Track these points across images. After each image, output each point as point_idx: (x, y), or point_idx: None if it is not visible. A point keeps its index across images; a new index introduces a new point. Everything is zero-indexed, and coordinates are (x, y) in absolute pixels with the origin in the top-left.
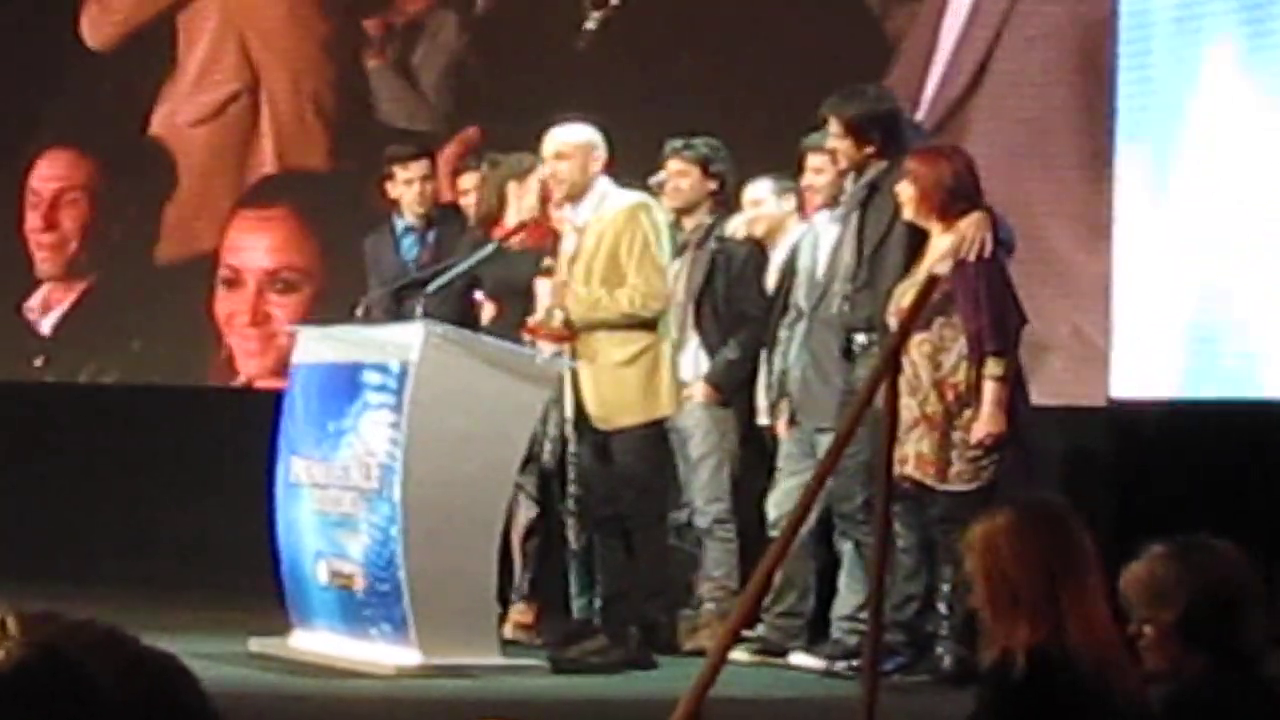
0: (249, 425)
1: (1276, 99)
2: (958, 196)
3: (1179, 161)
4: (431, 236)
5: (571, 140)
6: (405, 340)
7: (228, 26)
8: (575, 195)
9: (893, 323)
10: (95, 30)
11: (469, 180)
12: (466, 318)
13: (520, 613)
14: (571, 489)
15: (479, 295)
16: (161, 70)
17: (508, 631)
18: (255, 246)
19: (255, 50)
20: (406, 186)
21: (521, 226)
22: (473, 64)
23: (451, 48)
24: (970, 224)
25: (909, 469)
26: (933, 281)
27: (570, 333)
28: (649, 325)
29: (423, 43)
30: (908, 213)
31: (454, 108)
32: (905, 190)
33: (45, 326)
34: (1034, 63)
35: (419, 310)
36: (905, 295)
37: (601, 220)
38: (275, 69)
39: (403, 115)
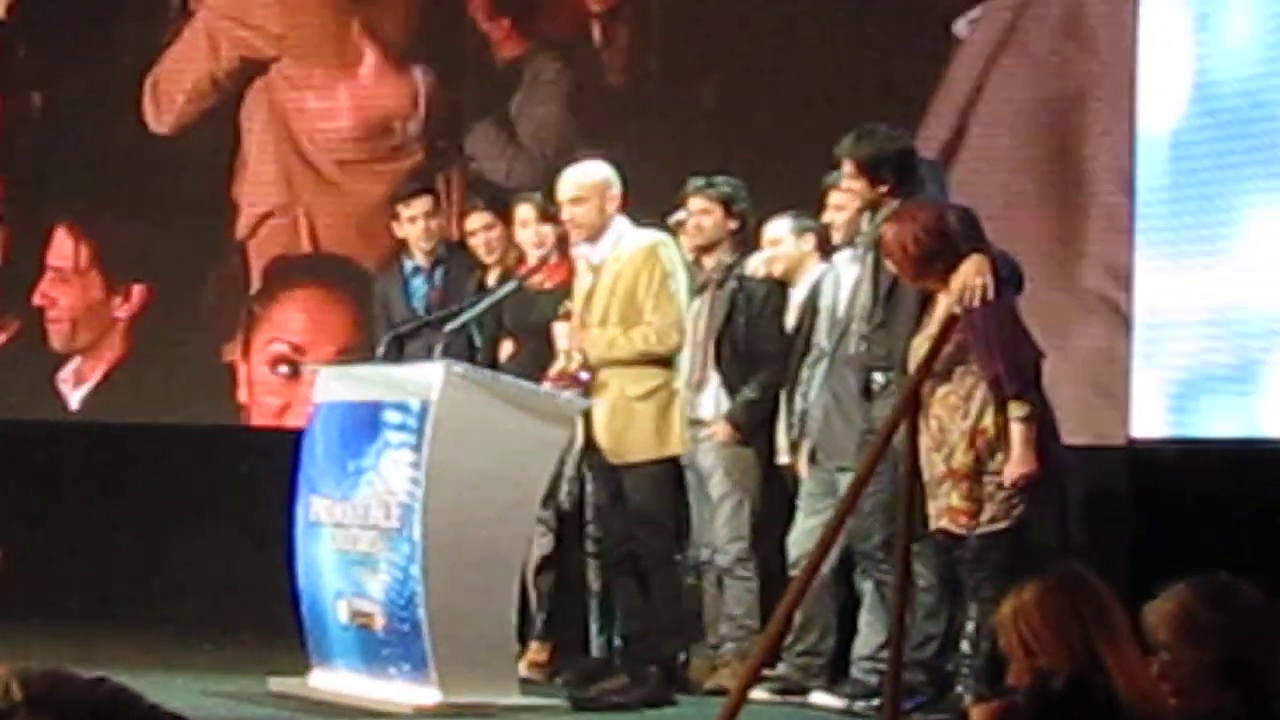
0: (268, 464)
1: None
2: (933, 255)
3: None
4: (439, 276)
5: (587, 182)
6: (425, 379)
7: None
8: (593, 236)
9: (912, 366)
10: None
11: (476, 220)
12: (473, 357)
13: (535, 651)
14: (590, 529)
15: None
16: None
17: (522, 669)
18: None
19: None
20: (410, 224)
21: (542, 263)
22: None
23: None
24: (968, 270)
25: (943, 523)
26: (950, 324)
27: (591, 374)
28: (664, 362)
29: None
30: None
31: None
32: (887, 262)
33: (74, 401)
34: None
35: (438, 349)
36: (920, 349)
37: (619, 259)
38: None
39: None
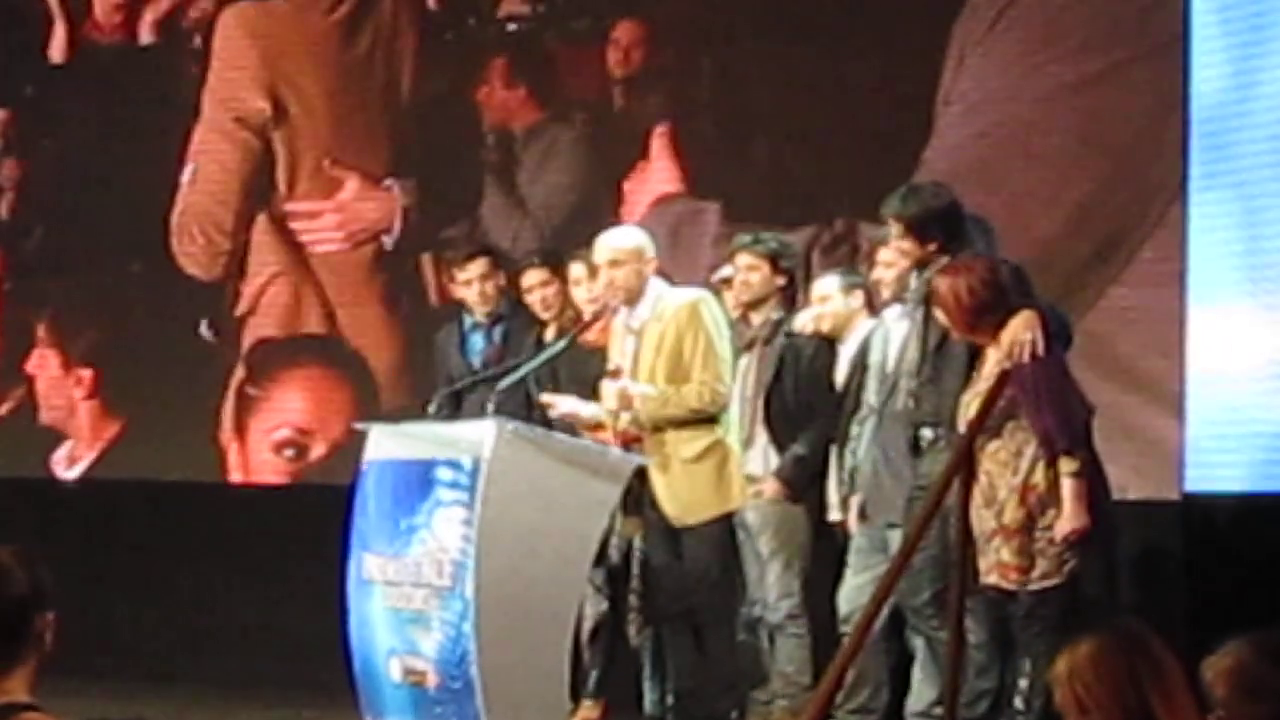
0: (320, 522)
1: None
2: (983, 310)
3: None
4: (498, 333)
5: (625, 246)
6: (477, 437)
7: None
8: (632, 299)
9: (961, 424)
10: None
11: (532, 277)
12: (530, 414)
13: (587, 709)
14: (635, 585)
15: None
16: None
17: None
18: None
19: None
20: (466, 287)
21: (595, 319)
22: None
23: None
24: (1018, 325)
25: (993, 579)
26: (1001, 380)
27: (636, 434)
28: (711, 420)
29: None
30: (954, 334)
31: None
32: (940, 314)
33: (70, 476)
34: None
35: (490, 407)
36: (971, 406)
37: (660, 319)
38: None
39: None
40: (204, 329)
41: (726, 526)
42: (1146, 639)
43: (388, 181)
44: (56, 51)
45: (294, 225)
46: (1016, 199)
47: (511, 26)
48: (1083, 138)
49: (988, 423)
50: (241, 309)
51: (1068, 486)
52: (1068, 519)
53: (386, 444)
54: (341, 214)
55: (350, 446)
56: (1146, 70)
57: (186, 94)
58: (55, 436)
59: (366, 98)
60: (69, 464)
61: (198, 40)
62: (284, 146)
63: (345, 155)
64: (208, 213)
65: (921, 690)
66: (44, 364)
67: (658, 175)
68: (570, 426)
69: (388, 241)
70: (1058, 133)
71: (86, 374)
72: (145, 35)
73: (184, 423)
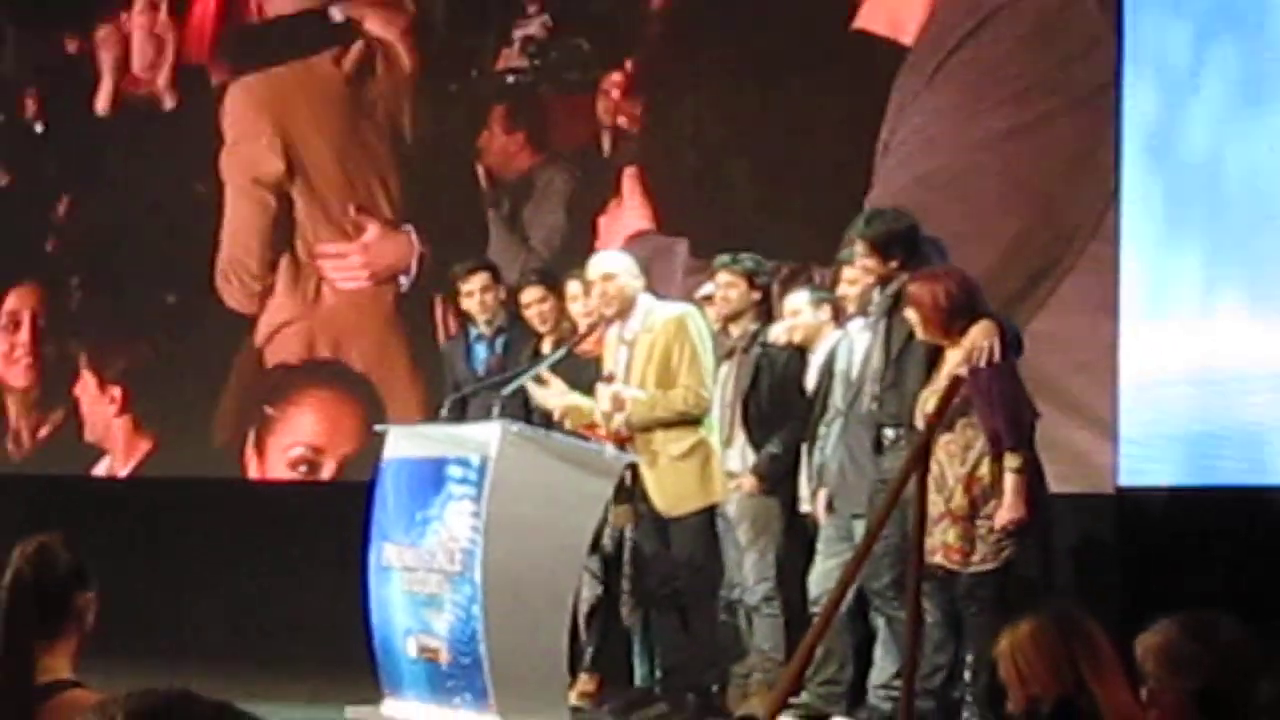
0: (344, 515)
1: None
2: (956, 313)
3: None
4: (500, 344)
5: (616, 266)
6: (484, 437)
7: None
8: (623, 311)
9: (919, 421)
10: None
11: (530, 294)
12: (530, 416)
13: (584, 682)
14: (626, 570)
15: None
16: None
17: (572, 699)
18: None
19: None
20: (469, 299)
21: (590, 332)
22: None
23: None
24: (978, 333)
25: (938, 558)
26: (957, 382)
27: (628, 434)
28: (696, 421)
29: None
30: (919, 334)
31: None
32: (911, 315)
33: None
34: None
35: (495, 410)
36: (928, 401)
37: (650, 330)
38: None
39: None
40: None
41: (709, 518)
42: (1081, 619)
43: (405, 226)
44: (102, 104)
45: (323, 264)
46: (953, 237)
47: (510, 79)
48: (1013, 182)
49: (945, 415)
50: (262, 338)
51: (1010, 481)
52: (1007, 510)
53: (403, 444)
54: (365, 255)
55: (358, 457)
56: (1071, 120)
57: (208, 151)
58: (98, 452)
59: (375, 148)
60: (108, 475)
61: (211, 108)
62: (302, 198)
63: (360, 201)
64: (239, 261)
65: (883, 665)
66: (85, 387)
67: (631, 213)
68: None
69: (404, 282)
70: (990, 177)
71: (118, 392)
72: (167, 101)
73: (209, 437)
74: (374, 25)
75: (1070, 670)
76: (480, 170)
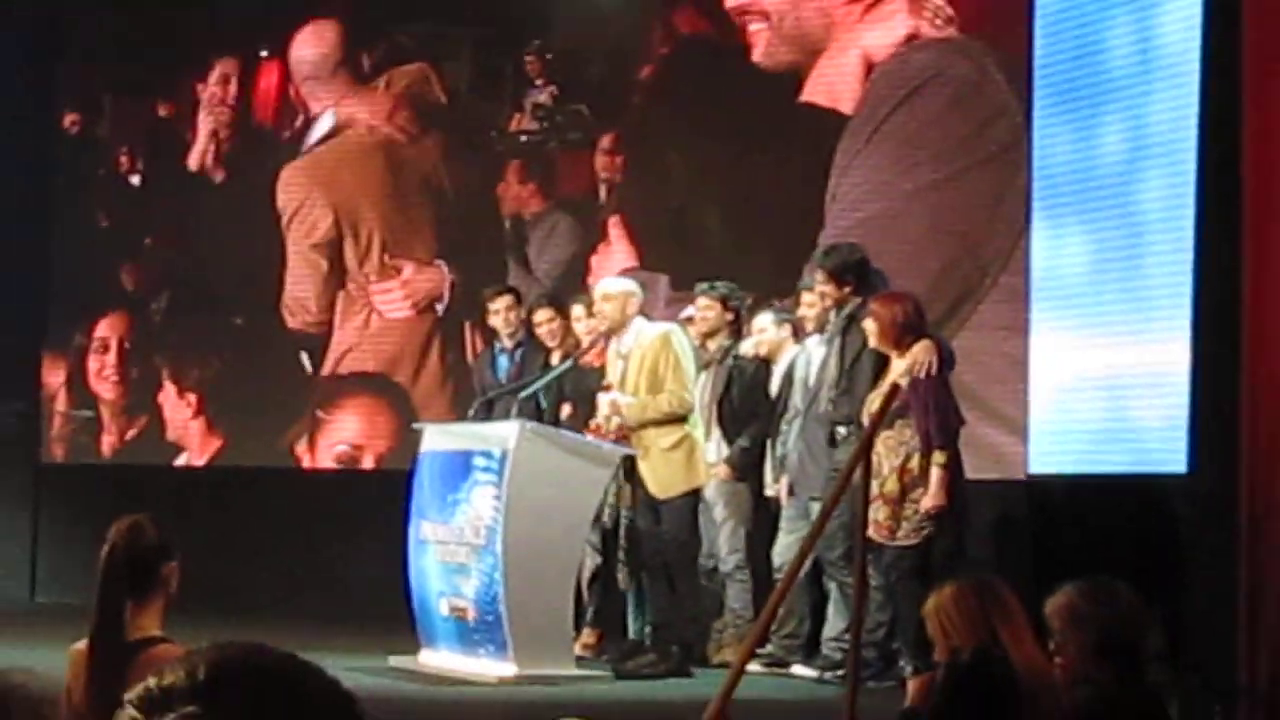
0: (386, 498)
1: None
2: (908, 329)
3: (1075, 299)
4: (519, 356)
5: (615, 289)
6: (504, 433)
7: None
8: (616, 330)
9: (865, 421)
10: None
11: (541, 315)
12: (540, 416)
13: (587, 636)
14: (622, 543)
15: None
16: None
17: (577, 649)
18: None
19: None
20: (495, 316)
21: (591, 347)
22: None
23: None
24: (920, 349)
25: (870, 532)
26: (895, 389)
27: (624, 432)
28: (683, 419)
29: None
30: (872, 342)
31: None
32: (870, 326)
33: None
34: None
35: (514, 410)
36: (873, 402)
37: (641, 346)
38: None
39: None
40: (304, 360)
41: (695, 500)
42: (994, 584)
43: (438, 261)
44: (194, 161)
45: (374, 298)
46: (890, 269)
47: (523, 138)
48: (938, 224)
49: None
50: (329, 365)
51: (935, 474)
52: (931, 497)
53: (437, 439)
54: (406, 289)
55: (391, 453)
56: (983, 173)
57: (270, 217)
58: (177, 449)
59: (411, 199)
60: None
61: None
62: (351, 248)
63: (400, 247)
64: (299, 301)
65: (834, 622)
66: (167, 395)
67: (619, 253)
68: (573, 426)
69: (439, 308)
70: (919, 220)
71: (194, 398)
72: (231, 163)
73: (271, 437)
74: (406, 97)
75: (985, 626)
76: (500, 214)
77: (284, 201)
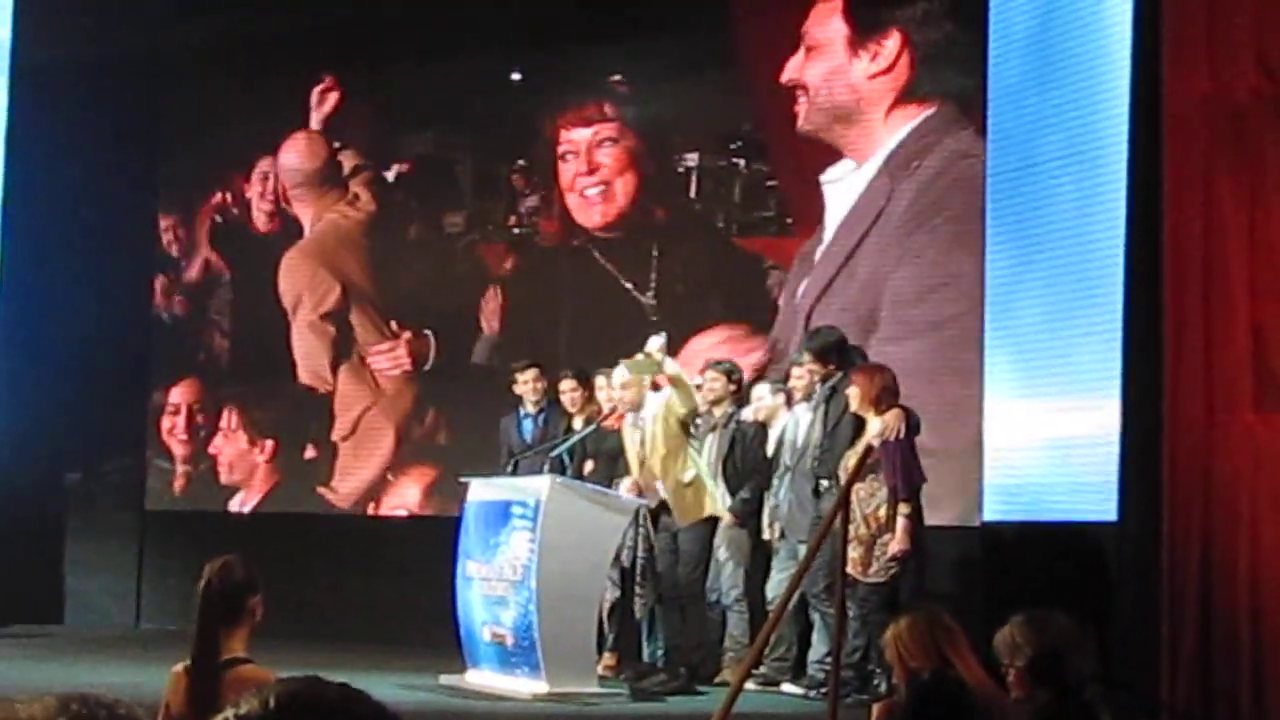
0: (439, 541)
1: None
2: (884, 396)
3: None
4: (542, 420)
5: (630, 379)
6: (538, 486)
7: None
8: (634, 408)
9: (843, 475)
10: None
11: (565, 384)
12: (564, 472)
13: (607, 659)
14: (639, 580)
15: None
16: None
17: (599, 670)
18: None
19: None
20: (523, 385)
21: (610, 414)
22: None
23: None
24: (891, 416)
25: (848, 568)
26: (869, 449)
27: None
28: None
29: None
30: (854, 406)
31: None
32: (853, 391)
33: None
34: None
35: (545, 468)
36: (850, 459)
37: (654, 414)
38: None
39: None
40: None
41: (709, 528)
42: (942, 615)
43: (425, 331)
44: (260, 223)
45: (372, 363)
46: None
47: (516, 231)
48: (902, 314)
49: (860, 476)
50: (348, 424)
51: (900, 523)
52: (897, 543)
53: (480, 490)
54: (405, 350)
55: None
56: (942, 254)
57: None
58: (231, 491)
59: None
60: (241, 504)
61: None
62: (355, 316)
63: (393, 315)
64: (312, 369)
65: (818, 647)
66: (228, 441)
67: None
68: (597, 480)
69: (426, 368)
70: (891, 309)
71: (269, 444)
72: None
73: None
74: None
75: (936, 651)
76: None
77: (284, 290)
